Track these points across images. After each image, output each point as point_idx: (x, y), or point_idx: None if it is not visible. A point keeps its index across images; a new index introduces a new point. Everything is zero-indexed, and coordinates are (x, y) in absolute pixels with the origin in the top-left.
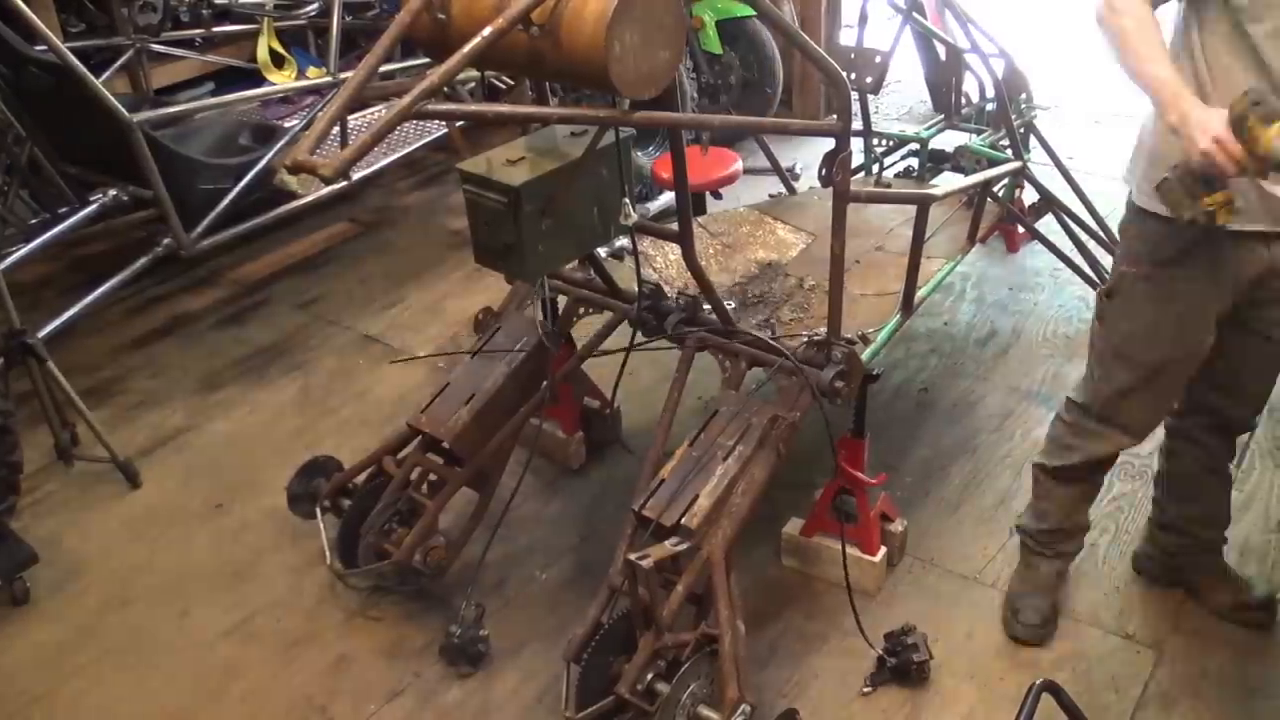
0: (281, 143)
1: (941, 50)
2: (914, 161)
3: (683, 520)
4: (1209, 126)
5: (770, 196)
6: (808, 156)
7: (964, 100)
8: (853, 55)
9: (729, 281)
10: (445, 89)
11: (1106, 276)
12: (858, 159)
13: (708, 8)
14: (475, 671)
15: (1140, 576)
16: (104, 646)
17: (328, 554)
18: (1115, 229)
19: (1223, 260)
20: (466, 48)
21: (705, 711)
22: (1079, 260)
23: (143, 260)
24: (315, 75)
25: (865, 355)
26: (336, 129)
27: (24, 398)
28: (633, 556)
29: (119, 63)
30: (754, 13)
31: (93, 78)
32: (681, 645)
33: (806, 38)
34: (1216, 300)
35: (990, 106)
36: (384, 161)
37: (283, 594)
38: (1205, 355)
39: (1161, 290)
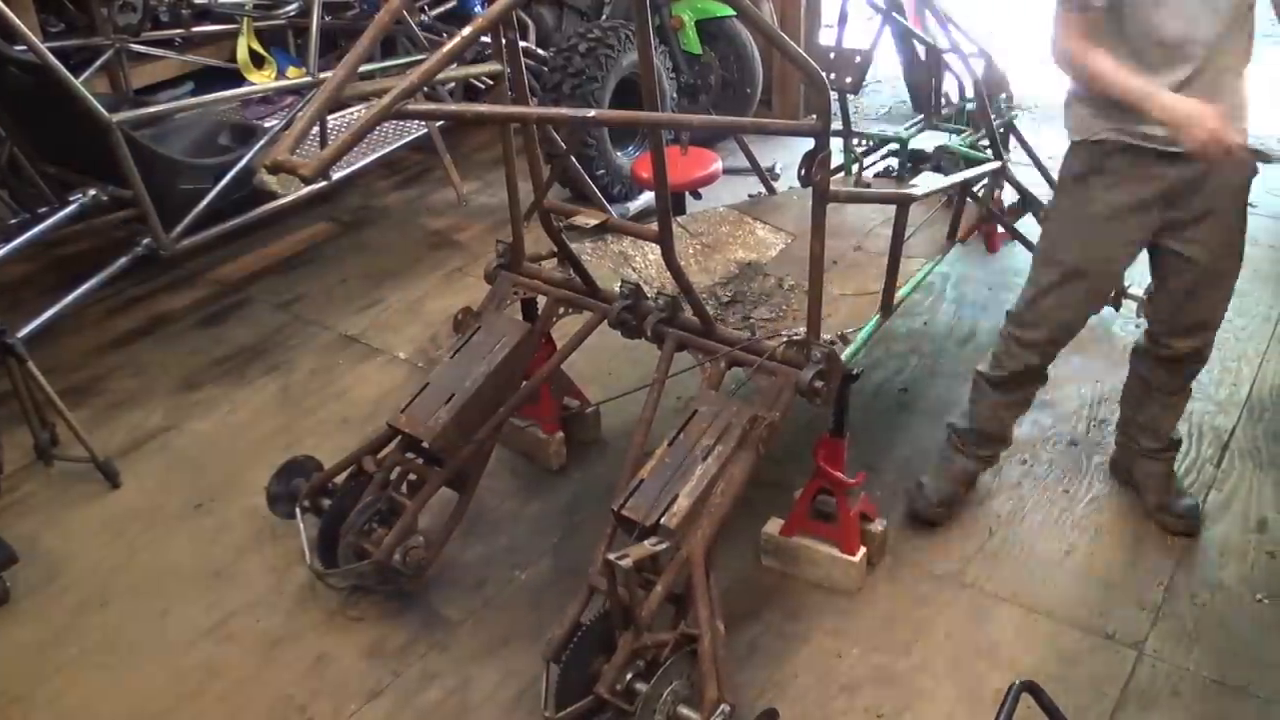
0: (261, 143)
1: (921, 50)
2: (894, 161)
3: (662, 520)
4: (1203, 122)
5: (750, 196)
6: (787, 157)
7: (944, 100)
8: (832, 55)
9: (708, 281)
10: (425, 89)
11: None
12: (837, 159)
13: (688, 8)
14: None
15: (1113, 479)
16: (83, 646)
17: (307, 554)
18: None
19: (1134, 173)
20: (447, 47)
21: (685, 711)
22: None
23: (122, 260)
24: (295, 75)
25: (845, 355)
26: (316, 129)
27: (3, 398)
28: (612, 556)
29: (98, 63)
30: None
31: (72, 78)
32: (661, 645)
33: (786, 38)
34: (1136, 210)
35: (970, 106)
36: (364, 161)
37: (262, 594)
38: (1120, 270)
39: (1079, 198)
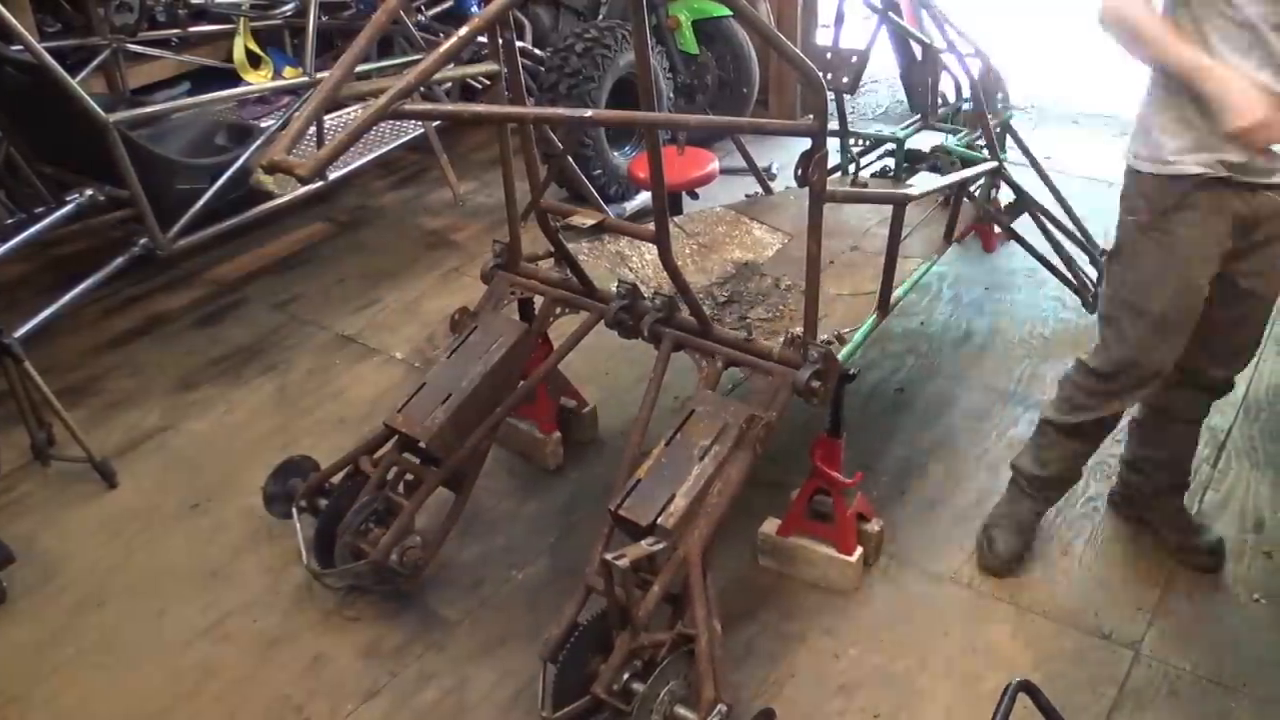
0: (258, 143)
1: (918, 50)
2: (890, 161)
3: (659, 520)
4: (1254, 106)
5: (746, 196)
6: (784, 157)
7: (940, 100)
8: (829, 55)
9: (705, 281)
10: (421, 89)
11: (1083, 276)
12: (834, 159)
13: (684, 8)
14: None
15: (1113, 512)
16: (80, 646)
17: (304, 554)
18: (1092, 229)
19: (1215, 206)
20: (443, 47)
21: (682, 711)
22: (1055, 260)
23: (119, 260)
24: (291, 75)
25: (841, 355)
26: (313, 129)
27: (0, 398)
28: (609, 556)
29: (95, 62)
30: (730, 13)
31: (69, 78)
32: (658, 645)
33: (783, 38)
34: (1215, 245)
35: (966, 106)
36: (360, 161)
37: (259, 594)
38: (1202, 304)
39: (1163, 239)
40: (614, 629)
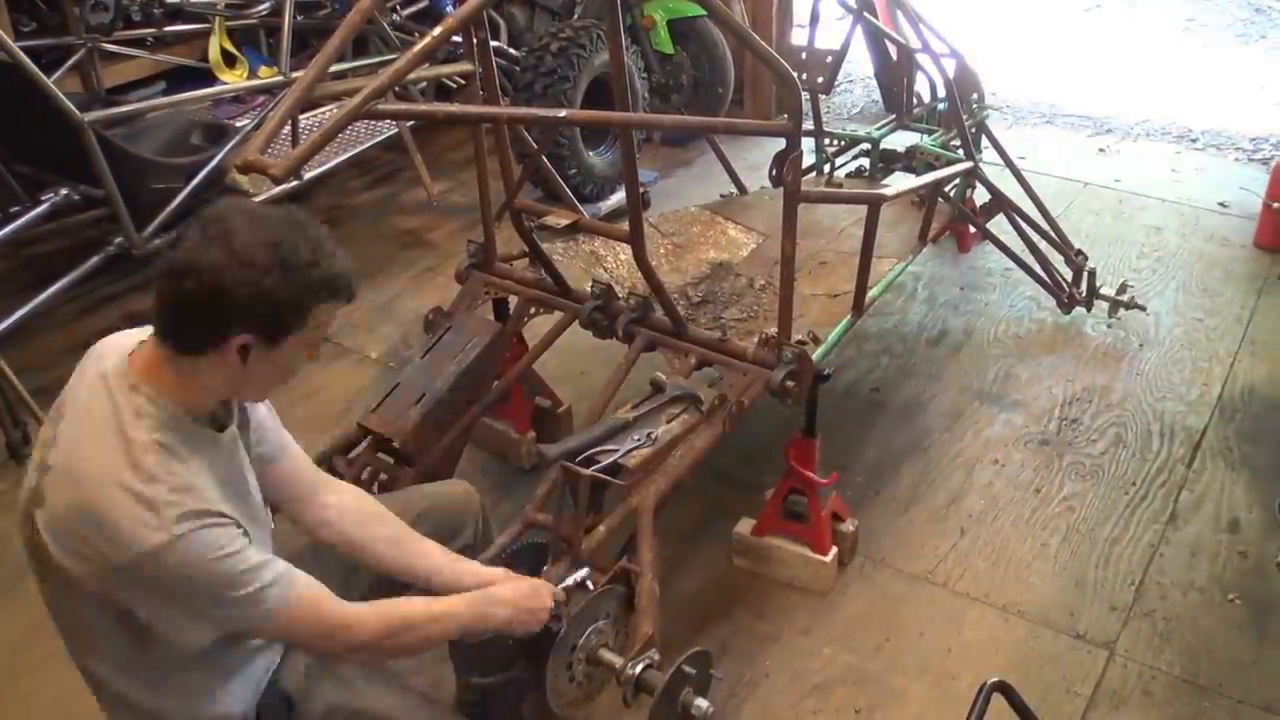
0: (233, 142)
1: (893, 50)
2: (865, 161)
3: (620, 460)
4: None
5: (721, 196)
6: (759, 156)
7: (915, 100)
8: (804, 55)
9: (680, 281)
10: (396, 88)
11: (1058, 276)
12: (809, 159)
13: (659, 7)
14: None
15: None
16: (56, 645)
17: None
18: (1067, 229)
19: None
20: (418, 46)
21: (607, 655)
22: (1030, 260)
23: (94, 259)
24: (267, 75)
25: (816, 355)
26: (288, 128)
27: None
28: (572, 464)
29: (70, 62)
30: (705, 12)
31: (44, 77)
32: (596, 581)
33: (757, 38)
34: None
35: (942, 106)
36: (335, 161)
37: None
38: None
39: None
40: (551, 556)
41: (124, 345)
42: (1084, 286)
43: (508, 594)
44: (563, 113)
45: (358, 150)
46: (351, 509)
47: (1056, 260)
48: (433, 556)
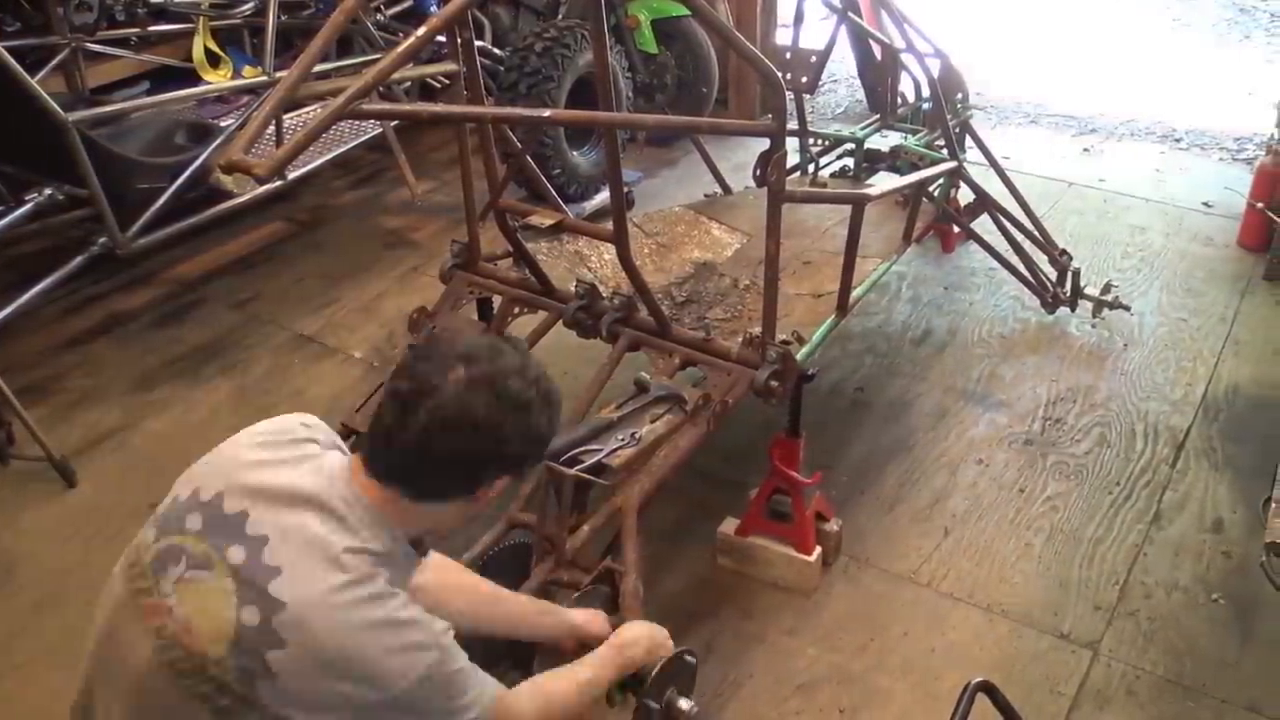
0: (217, 142)
1: (877, 50)
2: (849, 161)
3: (604, 460)
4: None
5: (706, 196)
6: (743, 156)
7: (900, 100)
8: (788, 55)
9: (664, 281)
10: (380, 88)
11: (1042, 276)
12: (793, 159)
13: (643, 7)
14: None
15: None
16: (38, 646)
17: None
18: (1051, 229)
19: None
20: (402, 46)
21: None
22: (1014, 260)
23: (78, 259)
24: (251, 74)
25: (800, 355)
26: (272, 128)
27: None
28: (557, 464)
29: (54, 62)
30: (690, 12)
31: (28, 77)
32: (579, 581)
33: (742, 38)
34: None
35: (926, 106)
36: (319, 161)
37: None
38: None
39: None
40: (536, 557)
41: (327, 465)
42: (1068, 286)
43: (636, 633)
44: (547, 112)
45: (342, 150)
46: (432, 585)
47: (1041, 260)
48: (508, 604)
